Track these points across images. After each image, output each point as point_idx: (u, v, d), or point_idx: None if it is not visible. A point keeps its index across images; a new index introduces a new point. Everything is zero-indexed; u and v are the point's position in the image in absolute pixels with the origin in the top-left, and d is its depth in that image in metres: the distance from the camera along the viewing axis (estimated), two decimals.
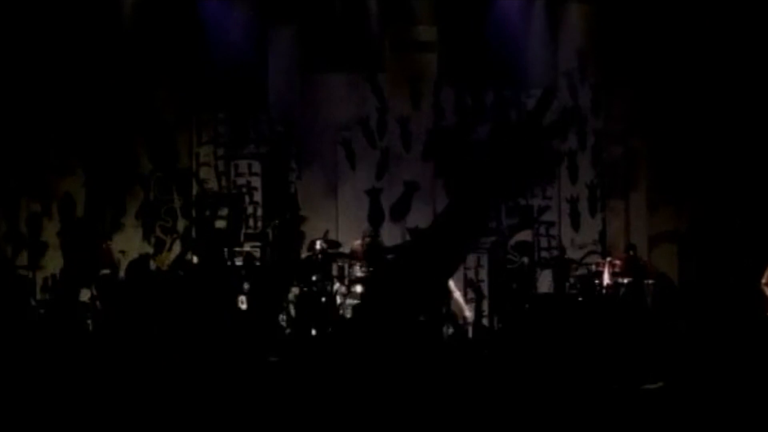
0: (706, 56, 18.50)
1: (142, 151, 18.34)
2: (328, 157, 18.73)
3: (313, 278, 16.60)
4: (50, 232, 17.99)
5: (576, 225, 19.00)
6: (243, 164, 18.69)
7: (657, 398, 8.03)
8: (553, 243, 18.97)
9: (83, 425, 7.64)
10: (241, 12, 18.41)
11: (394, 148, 18.83)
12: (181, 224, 18.44)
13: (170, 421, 7.63)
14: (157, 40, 17.99)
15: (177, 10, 18.01)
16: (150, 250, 18.18)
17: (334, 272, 17.10)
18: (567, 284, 17.53)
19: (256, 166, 18.69)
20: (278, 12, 18.43)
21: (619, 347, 9.94)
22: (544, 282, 18.53)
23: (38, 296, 17.28)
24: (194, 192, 18.56)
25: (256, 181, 18.69)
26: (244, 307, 15.70)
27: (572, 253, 18.67)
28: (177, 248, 18.21)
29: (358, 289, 16.87)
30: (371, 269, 16.74)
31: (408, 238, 18.28)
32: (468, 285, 18.57)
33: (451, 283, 16.95)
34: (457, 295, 16.96)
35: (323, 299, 16.50)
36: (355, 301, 16.62)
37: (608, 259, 17.74)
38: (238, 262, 16.58)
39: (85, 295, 17.11)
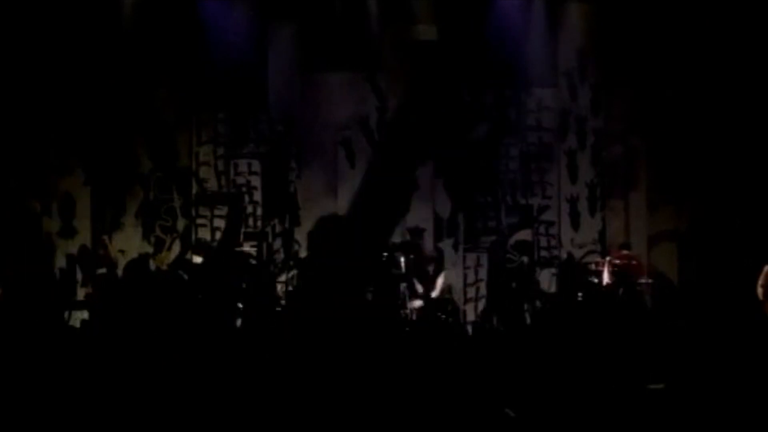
0: (706, 56, 18.49)
1: (142, 150, 18.34)
2: (328, 156, 18.73)
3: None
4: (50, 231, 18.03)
5: (576, 224, 18.99)
6: (243, 164, 18.69)
7: (657, 398, 8.03)
8: (553, 242, 18.97)
9: (83, 425, 7.64)
10: (241, 12, 18.41)
11: None
12: (180, 224, 18.44)
13: (170, 421, 7.64)
14: (157, 40, 17.99)
15: (177, 10, 18.00)
16: (149, 249, 18.19)
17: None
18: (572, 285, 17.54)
19: (256, 166, 18.69)
20: (278, 12, 18.42)
21: (618, 347, 9.94)
22: (544, 281, 18.57)
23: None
24: (194, 191, 18.56)
25: (256, 181, 18.70)
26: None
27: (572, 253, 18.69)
28: (177, 248, 18.23)
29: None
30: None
31: (408, 237, 18.31)
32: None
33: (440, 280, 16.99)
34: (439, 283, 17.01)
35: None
36: None
37: (608, 258, 17.74)
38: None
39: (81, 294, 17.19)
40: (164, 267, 17.83)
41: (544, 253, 18.95)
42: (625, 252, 17.83)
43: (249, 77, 18.43)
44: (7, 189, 17.88)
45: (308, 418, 7.59)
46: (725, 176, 18.50)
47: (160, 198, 18.43)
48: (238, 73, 18.34)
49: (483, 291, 18.62)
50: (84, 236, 18.04)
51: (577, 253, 18.69)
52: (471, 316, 18.47)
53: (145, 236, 18.32)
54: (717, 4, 18.43)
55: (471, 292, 18.70)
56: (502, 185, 18.94)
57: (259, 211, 18.59)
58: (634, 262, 17.70)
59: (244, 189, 18.60)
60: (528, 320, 17.25)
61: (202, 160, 18.65)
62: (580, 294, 17.20)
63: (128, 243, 18.02)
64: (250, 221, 18.56)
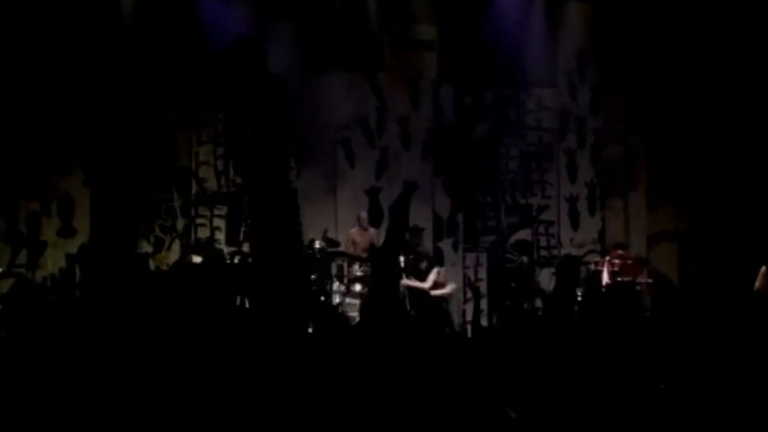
0: (706, 56, 18.50)
1: (142, 150, 18.33)
2: (328, 156, 18.73)
3: (312, 277, 16.65)
4: (50, 231, 18.01)
5: (575, 224, 19.00)
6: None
7: (657, 398, 8.04)
8: (552, 242, 18.98)
9: (83, 425, 7.64)
10: (241, 11, 18.40)
11: (394, 148, 18.83)
12: (180, 223, 18.44)
13: (169, 421, 7.64)
14: (157, 40, 17.99)
15: (176, 10, 18.00)
16: (149, 249, 18.19)
17: (333, 271, 17.14)
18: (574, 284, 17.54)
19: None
20: (278, 11, 18.42)
21: (617, 347, 9.94)
22: (544, 281, 18.57)
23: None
24: (194, 191, 18.55)
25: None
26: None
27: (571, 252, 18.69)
28: (176, 247, 18.23)
29: (357, 287, 16.91)
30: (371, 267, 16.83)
31: (408, 237, 18.30)
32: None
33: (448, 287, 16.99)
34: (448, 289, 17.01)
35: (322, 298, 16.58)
36: (355, 300, 16.68)
37: (607, 258, 17.74)
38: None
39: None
40: (164, 267, 17.82)
41: (543, 252, 18.96)
42: (620, 252, 17.82)
43: (249, 77, 18.43)
44: (7, 189, 17.88)
45: (308, 418, 7.60)
46: (725, 176, 18.51)
47: (160, 198, 18.43)
48: (238, 73, 18.34)
49: (483, 291, 18.65)
50: (84, 236, 18.04)
51: (577, 253, 18.68)
52: (470, 316, 18.49)
53: (145, 236, 18.31)
54: (717, 4, 18.43)
55: (470, 292, 18.71)
56: (502, 185, 18.96)
57: None
58: (630, 262, 17.69)
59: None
60: (528, 320, 17.21)
61: (202, 159, 18.65)
62: (579, 294, 17.20)
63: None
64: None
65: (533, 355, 9.23)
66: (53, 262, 17.83)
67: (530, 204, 19.01)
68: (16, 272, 17.47)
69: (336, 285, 17.03)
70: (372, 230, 17.88)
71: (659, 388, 8.23)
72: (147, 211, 18.29)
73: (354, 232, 17.68)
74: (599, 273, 17.44)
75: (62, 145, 17.98)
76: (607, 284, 17.23)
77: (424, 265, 16.81)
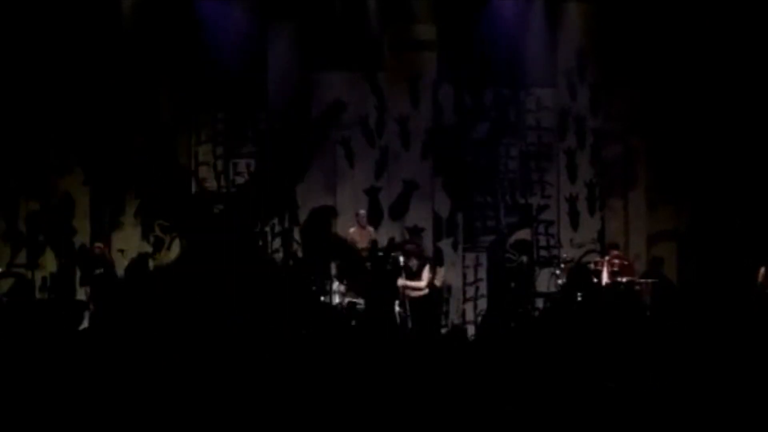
0: (706, 56, 18.50)
1: (142, 150, 18.33)
2: (328, 156, 18.73)
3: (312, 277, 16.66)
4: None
5: (575, 224, 19.00)
6: (242, 163, 18.69)
7: (657, 397, 8.03)
8: (552, 242, 18.98)
9: (82, 425, 7.64)
10: (240, 11, 18.41)
11: (393, 147, 18.84)
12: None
13: (169, 421, 7.64)
14: (156, 40, 18.00)
15: (176, 11, 18.01)
16: (149, 249, 18.18)
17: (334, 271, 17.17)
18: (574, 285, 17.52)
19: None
20: (277, 11, 18.43)
21: (616, 346, 9.94)
22: (543, 281, 18.56)
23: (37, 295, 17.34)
24: (194, 191, 18.56)
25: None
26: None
27: (571, 252, 18.66)
28: (176, 247, 18.23)
29: None
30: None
31: (407, 236, 18.30)
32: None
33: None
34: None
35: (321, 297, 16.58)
36: (355, 300, 16.66)
37: (606, 258, 17.74)
38: None
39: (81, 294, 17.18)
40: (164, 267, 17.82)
41: (543, 252, 18.96)
42: (615, 252, 17.80)
43: (249, 77, 18.44)
44: (7, 189, 17.89)
45: (307, 419, 7.60)
46: (725, 176, 18.51)
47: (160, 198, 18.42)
48: (238, 73, 18.35)
49: (483, 290, 18.66)
50: (83, 236, 18.05)
51: (577, 253, 18.67)
52: (470, 316, 18.51)
53: (144, 236, 18.31)
54: (717, 4, 18.43)
55: (470, 292, 18.72)
56: (502, 185, 18.96)
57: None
58: (625, 263, 17.69)
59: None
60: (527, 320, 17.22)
61: (202, 159, 18.65)
62: (579, 294, 17.18)
63: (127, 242, 18.02)
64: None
65: (533, 355, 9.23)
66: (52, 262, 17.86)
67: (530, 204, 19.01)
68: (16, 272, 17.49)
69: (336, 285, 17.03)
70: (370, 228, 17.89)
71: (658, 388, 8.23)
72: (147, 210, 18.30)
73: (354, 232, 17.67)
74: (599, 273, 17.43)
75: (62, 145, 17.99)
76: (606, 284, 17.23)
77: (414, 263, 16.70)
